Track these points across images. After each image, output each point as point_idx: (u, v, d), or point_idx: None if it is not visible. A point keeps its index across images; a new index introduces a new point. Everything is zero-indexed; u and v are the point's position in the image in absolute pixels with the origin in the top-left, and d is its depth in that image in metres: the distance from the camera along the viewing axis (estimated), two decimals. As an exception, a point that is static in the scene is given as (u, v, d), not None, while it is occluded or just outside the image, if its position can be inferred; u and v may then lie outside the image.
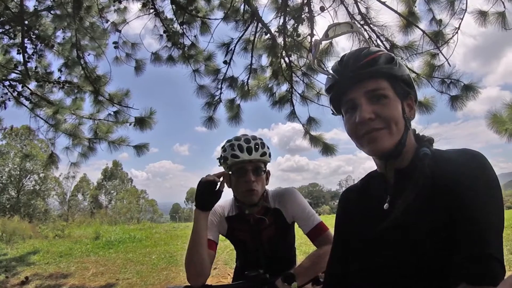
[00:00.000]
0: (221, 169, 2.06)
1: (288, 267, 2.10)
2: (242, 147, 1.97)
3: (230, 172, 2.04)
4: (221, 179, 1.94)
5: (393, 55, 1.12)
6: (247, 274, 1.81)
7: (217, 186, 1.91)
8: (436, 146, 1.14)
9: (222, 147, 2.08)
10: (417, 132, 1.18)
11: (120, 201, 40.51)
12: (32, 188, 30.96)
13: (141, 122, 6.73)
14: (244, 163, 1.98)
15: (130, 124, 6.86)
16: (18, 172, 29.95)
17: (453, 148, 1.09)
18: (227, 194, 2.10)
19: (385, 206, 1.11)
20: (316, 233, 2.01)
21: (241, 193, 2.02)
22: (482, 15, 4.96)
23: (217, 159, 2.12)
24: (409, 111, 1.11)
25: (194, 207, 1.94)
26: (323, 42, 1.30)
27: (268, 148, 2.07)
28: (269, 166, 2.16)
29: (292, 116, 6.60)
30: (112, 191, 46.92)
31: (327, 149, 6.33)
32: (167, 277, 7.01)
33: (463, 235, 0.89)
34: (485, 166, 0.97)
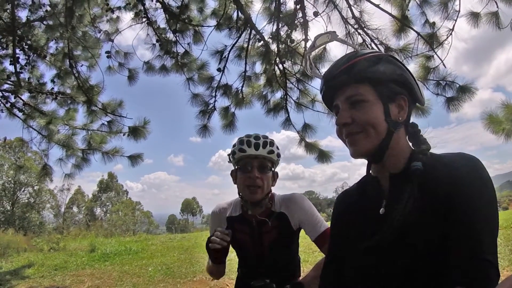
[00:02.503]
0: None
1: (292, 276, 2.05)
2: (250, 142, 1.96)
3: (237, 167, 2.03)
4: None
5: (382, 55, 1.13)
6: (254, 284, 1.72)
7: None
8: (431, 150, 1.14)
9: (233, 145, 2.08)
10: (421, 133, 1.17)
11: (116, 213, 40.23)
12: (26, 200, 30.92)
13: (135, 132, 6.67)
14: (250, 159, 1.97)
15: (124, 134, 6.80)
16: (12, 185, 29.82)
17: (448, 152, 1.10)
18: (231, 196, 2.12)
19: (381, 210, 1.11)
20: (324, 239, 1.92)
21: (244, 188, 1.98)
22: (475, 16, 4.97)
23: (227, 155, 2.12)
24: (397, 112, 1.10)
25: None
26: (315, 49, 1.33)
27: (277, 148, 2.04)
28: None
29: (287, 123, 6.54)
30: (107, 203, 46.80)
31: (323, 156, 6.28)
32: (164, 289, 6.93)
33: (458, 239, 0.90)
34: (480, 170, 0.98)
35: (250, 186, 1.95)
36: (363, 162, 1.20)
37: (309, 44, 5.31)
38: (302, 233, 2.09)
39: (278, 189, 2.14)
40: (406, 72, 1.13)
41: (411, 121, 1.19)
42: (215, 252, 1.94)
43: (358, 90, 1.08)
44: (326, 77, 1.16)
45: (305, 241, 2.05)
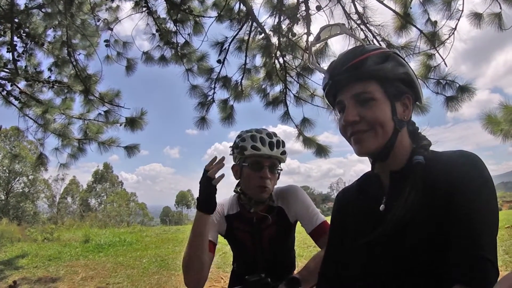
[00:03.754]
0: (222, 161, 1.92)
1: (288, 270, 2.02)
2: (264, 140, 1.89)
3: (244, 164, 1.93)
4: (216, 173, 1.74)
5: (389, 52, 1.12)
6: (248, 278, 1.67)
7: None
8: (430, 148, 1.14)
9: (238, 136, 1.98)
10: (419, 130, 1.17)
11: (110, 204, 40.19)
12: (21, 190, 30.85)
13: (132, 123, 6.64)
14: (263, 158, 1.89)
15: (120, 125, 6.77)
16: (7, 174, 29.73)
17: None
18: (225, 194, 2.03)
19: (381, 207, 1.11)
20: (319, 232, 1.89)
21: (252, 187, 1.92)
22: (477, 17, 4.96)
23: (229, 147, 2.04)
24: (402, 111, 1.10)
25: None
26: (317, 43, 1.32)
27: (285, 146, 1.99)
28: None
29: (286, 117, 6.52)
30: (102, 194, 46.74)
31: (321, 151, 6.27)
32: (159, 281, 6.90)
33: (457, 237, 0.90)
34: (480, 168, 0.98)
35: (259, 186, 1.89)
36: (359, 158, 1.21)
37: (311, 38, 5.33)
38: (297, 228, 2.07)
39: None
40: (410, 71, 1.12)
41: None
42: (211, 189, 1.69)
43: (366, 88, 1.07)
44: (332, 72, 1.13)
45: (300, 236, 2.02)
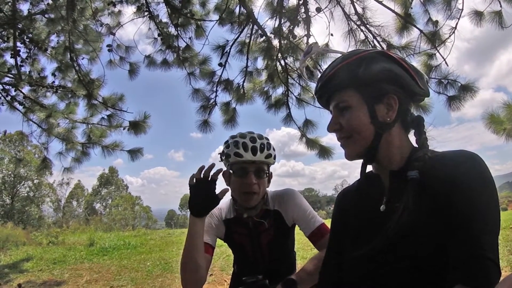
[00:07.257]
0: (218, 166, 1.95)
1: (288, 272, 2.01)
2: (247, 146, 1.85)
3: (231, 171, 1.92)
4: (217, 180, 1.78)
5: (367, 55, 1.11)
6: (245, 280, 1.68)
7: (215, 190, 1.75)
8: (432, 148, 1.13)
9: (225, 143, 1.97)
10: (425, 129, 1.15)
11: (115, 208, 40.21)
12: (26, 194, 30.89)
13: (135, 126, 6.65)
14: (247, 164, 1.87)
15: (124, 129, 6.78)
16: (12, 178, 29.83)
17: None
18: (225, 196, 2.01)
19: (382, 208, 1.10)
20: (318, 235, 1.90)
21: (239, 194, 1.91)
22: (478, 15, 4.95)
23: (218, 154, 2.01)
24: (385, 113, 1.09)
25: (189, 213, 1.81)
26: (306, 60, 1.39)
27: (273, 149, 1.95)
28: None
29: (288, 119, 6.51)
30: (107, 198, 46.75)
31: (324, 152, 6.25)
32: (162, 284, 6.92)
33: (458, 237, 0.89)
34: (480, 167, 0.97)
35: (246, 192, 1.88)
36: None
37: (311, 39, 5.34)
38: (299, 230, 2.06)
39: (278, 186, 2.09)
40: (398, 67, 1.09)
41: (416, 115, 1.17)
42: (201, 191, 1.71)
43: (342, 97, 1.11)
44: (316, 87, 1.20)
45: (302, 238, 2.02)
